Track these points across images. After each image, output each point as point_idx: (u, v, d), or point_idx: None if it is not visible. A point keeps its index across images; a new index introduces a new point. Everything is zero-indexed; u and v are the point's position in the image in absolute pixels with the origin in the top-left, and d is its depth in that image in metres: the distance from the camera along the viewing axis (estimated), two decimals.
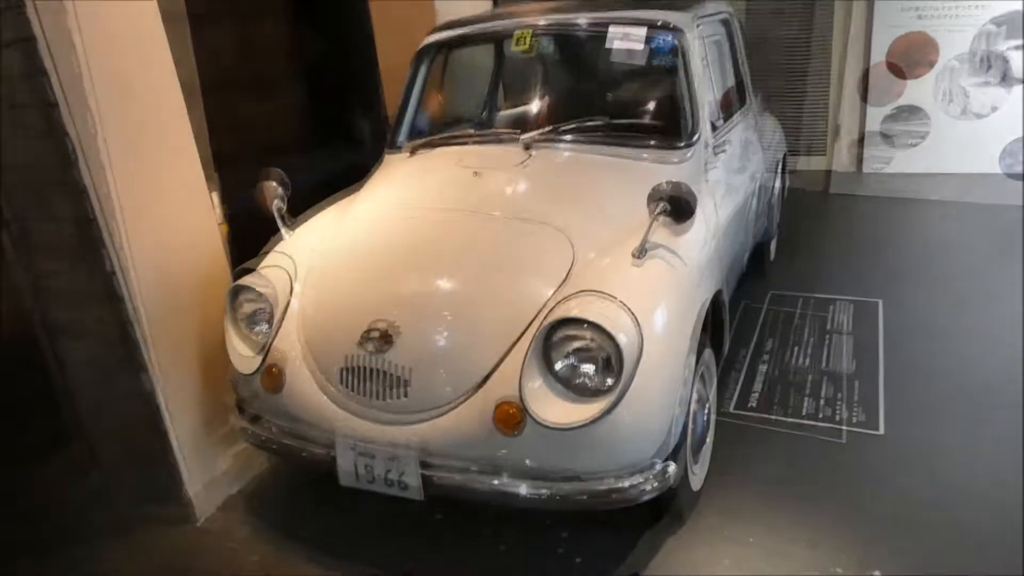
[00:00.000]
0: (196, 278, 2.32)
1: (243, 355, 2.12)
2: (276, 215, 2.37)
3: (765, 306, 3.54)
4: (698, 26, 2.55)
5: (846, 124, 5.68)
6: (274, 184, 2.38)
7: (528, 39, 2.60)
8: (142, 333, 2.14)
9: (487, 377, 1.77)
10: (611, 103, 2.81)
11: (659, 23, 2.45)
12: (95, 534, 2.33)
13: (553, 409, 1.69)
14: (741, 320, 3.38)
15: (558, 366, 1.74)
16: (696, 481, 2.16)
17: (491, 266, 1.93)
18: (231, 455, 2.46)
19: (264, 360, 2.04)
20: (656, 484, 1.75)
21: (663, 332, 1.78)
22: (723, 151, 2.51)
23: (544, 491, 1.72)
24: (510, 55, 3.21)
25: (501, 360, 1.78)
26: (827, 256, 4.11)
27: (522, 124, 2.72)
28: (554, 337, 1.73)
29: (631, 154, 2.34)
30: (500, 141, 2.47)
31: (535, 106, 3.18)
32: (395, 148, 2.72)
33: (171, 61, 2.20)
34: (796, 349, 3.10)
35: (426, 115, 3.11)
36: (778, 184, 3.62)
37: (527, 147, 2.40)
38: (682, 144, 2.34)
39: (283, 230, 2.38)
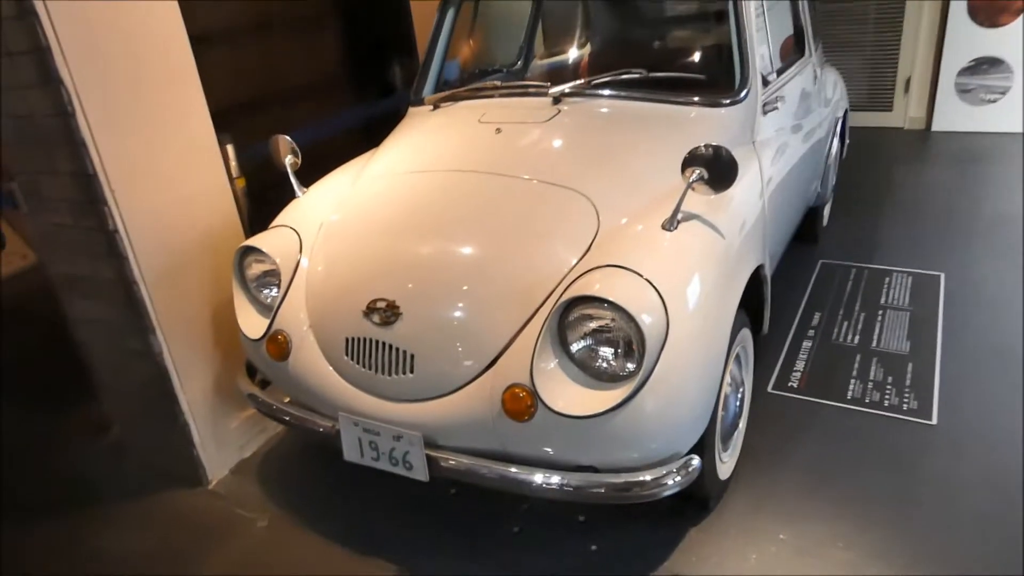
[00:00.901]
0: (206, 236, 2.23)
1: (250, 319, 2.03)
2: (289, 172, 2.26)
3: (814, 276, 3.29)
4: None
5: (917, 76, 5.25)
6: (287, 140, 2.26)
7: None
8: (148, 293, 2.06)
9: (497, 357, 1.64)
10: (656, 52, 2.59)
11: None
12: (108, 493, 2.32)
13: (567, 395, 1.55)
14: (787, 291, 3.15)
15: (575, 348, 1.58)
16: (725, 470, 2.00)
17: (504, 235, 1.77)
18: (243, 417, 2.41)
19: (271, 326, 1.95)
20: (679, 479, 1.60)
21: (694, 313, 1.61)
22: (775, 108, 2.26)
23: (557, 482, 1.59)
24: None
25: (513, 339, 1.63)
26: (887, 223, 3.79)
27: (557, 75, 2.53)
28: (571, 316, 1.57)
29: (671, 111, 2.12)
30: (528, 94, 2.28)
31: (572, 55, 2.97)
32: (418, 101, 2.55)
33: (176, 8, 2.06)
34: (845, 325, 2.87)
35: (455, 65, 2.93)
36: (836, 143, 3.32)
37: (556, 101, 2.21)
38: (728, 100, 2.11)
39: (297, 189, 2.26)
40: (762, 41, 2.29)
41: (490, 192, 1.89)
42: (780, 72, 2.47)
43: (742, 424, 2.14)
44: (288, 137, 2.27)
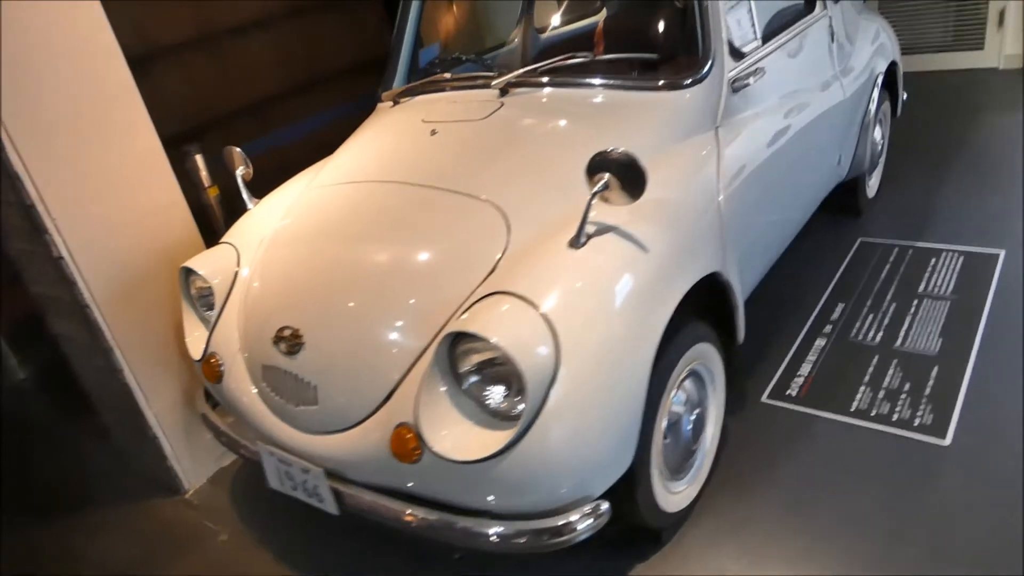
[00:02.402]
0: (163, 252, 2.23)
1: (195, 339, 2.03)
2: (240, 184, 2.22)
3: (847, 259, 2.93)
4: None
5: (1013, 7, 4.52)
6: (238, 152, 2.22)
7: None
8: (101, 314, 2.10)
9: (392, 392, 1.53)
10: (612, 28, 2.31)
11: None
12: (98, 497, 2.44)
13: (454, 436, 1.42)
14: (811, 278, 2.82)
15: (466, 382, 1.45)
16: (678, 501, 1.81)
17: (407, 257, 1.64)
18: None
19: (207, 348, 1.94)
20: (582, 527, 1.44)
21: (599, 343, 1.43)
22: (747, 84, 1.96)
23: (452, 526, 1.48)
24: None
25: (407, 373, 1.52)
26: (949, 190, 3.30)
27: (514, 62, 2.33)
28: (460, 347, 1.44)
29: (620, 97, 1.90)
30: (476, 86, 2.11)
31: (525, 39, 2.74)
32: (382, 96, 2.43)
33: (108, 28, 2.04)
34: (870, 319, 2.54)
35: (432, 51, 2.78)
36: (875, 103, 2.89)
37: (504, 92, 2.03)
38: (683, 82, 1.85)
39: (248, 201, 2.23)
40: (739, 5, 1.99)
41: (404, 206, 1.76)
42: (770, 38, 2.15)
43: (707, 447, 1.92)
44: (239, 149, 2.23)
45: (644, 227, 1.56)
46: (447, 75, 2.27)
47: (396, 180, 1.83)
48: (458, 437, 1.42)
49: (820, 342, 2.47)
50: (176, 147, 2.52)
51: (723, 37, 1.89)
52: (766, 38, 2.13)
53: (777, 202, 2.14)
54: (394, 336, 1.56)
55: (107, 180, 2.09)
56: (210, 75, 2.80)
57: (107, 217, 2.10)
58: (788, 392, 2.26)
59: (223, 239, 2.11)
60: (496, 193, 1.68)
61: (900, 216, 3.19)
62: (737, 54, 1.96)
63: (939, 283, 2.65)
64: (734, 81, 1.92)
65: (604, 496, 1.50)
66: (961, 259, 2.77)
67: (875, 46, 2.95)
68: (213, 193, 2.62)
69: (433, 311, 1.54)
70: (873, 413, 2.11)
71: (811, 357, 2.40)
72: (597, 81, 1.93)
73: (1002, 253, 2.73)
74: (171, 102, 2.69)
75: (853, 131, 2.82)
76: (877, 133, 3.22)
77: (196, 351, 1.98)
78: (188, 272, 2.02)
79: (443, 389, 1.44)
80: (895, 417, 2.08)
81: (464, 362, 1.43)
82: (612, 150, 1.42)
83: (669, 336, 1.65)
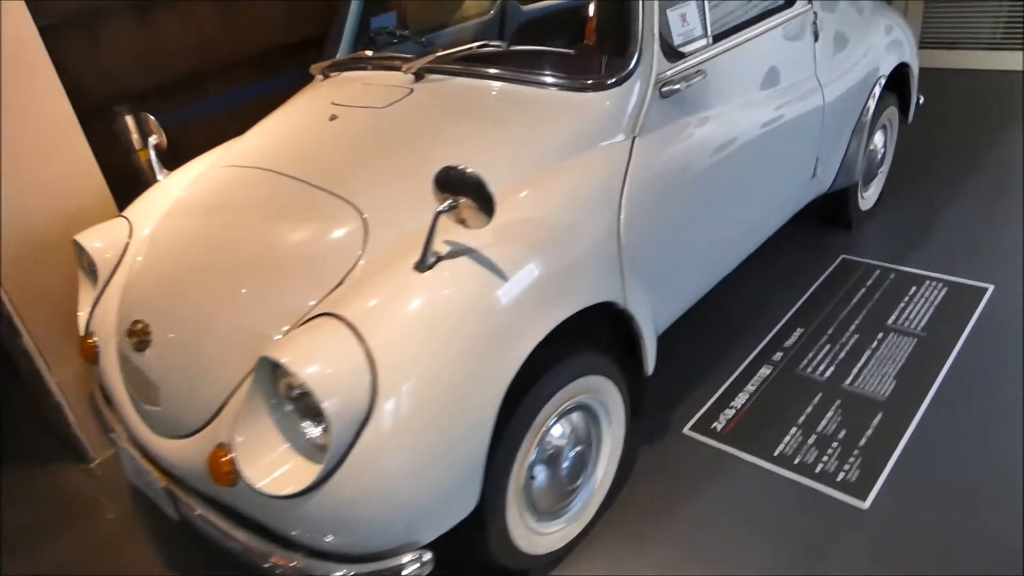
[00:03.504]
0: (65, 220, 2.15)
1: (81, 315, 1.95)
2: (152, 155, 2.12)
3: (823, 277, 2.69)
4: None
5: None
6: (150, 118, 2.12)
7: None
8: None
9: (222, 407, 1.42)
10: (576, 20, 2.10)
11: None
12: (11, 460, 2.43)
13: (268, 466, 1.31)
14: (777, 295, 2.60)
15: (286, 409, 1.33)
16: (550, 542, 1.67)
17: (261, 258, 1.51)
18: None
19: (87, 326, 1.86)
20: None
21: (430, 380, 1.28)
22: (680, 90, 1.73)
23: (267, 557, 1.38)
24: None
25: (235, 390, 1.41)
26: (953, 209, 3.00)
27: (488, 36, 2.15)
28: (279, 371, 1.31)
29: (534, 94, 1.70)
30: (395, 68, 1.94)
31: (504, 10, 2.55)
32: (311, 68, 2.27)
33: None
34: (826, 349, 2.32)
35: (383, 20, 2.59)
36: (871, 108, 2.60)
37: (419, 77, 1.85)
38: (597, 83, 1.65)
39: (157, 173, 2.12)
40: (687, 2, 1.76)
41: (271, 200, 1.63)
42: (728, 35, 1.91)
43: (596, 485, 1.77)
44: (152, 116, 2.12)
45: (509, 250, 1.39)
46: (368, 53, 2.09)
47: (274, 169, 1.68)
48: (273, 467, 1.31)
49: (765, 370, 2.27)
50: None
51: (654, 35, 1.66)
52: (722, 36, 1.89)
53: (713, 223, 1.92)
54: (229, 347, 1.44)
55: (10, 146, 2.01)
56: (157, 37, 2.68)
57: (9, 185, 2.02)
58: (713, 426, 2.08)
59: (123, 212, 2.02)
60: (365, 196, 1.53)
61: (893, 233, 2.91)
62: (674, 54, 1.73)
63: (912, 316, 2.41)
64: (664, 85, 1.70)
65: (453, 535, 1.38)
66: (945, 290, 2.51)
67: (880, 45, 2.64)
68: (144, 157, 2.51)
69: (270, 324, 1.41)
70: (796, 461, 1.92)
71: (750, 387, 2.20)
72: (512, 75, 1.74)
73: (990, 288, 2.46)
74: (118, 63, 2.59)
75: (840, 139, 2.55)
76: (879, 140, 2.93)
77: (81, 327, 1.90)
78: (81, 247, 1.94)
79: (263, 413, 1.32)
80: (819, 469, 1.89)
81: (284, 387, 1.31)
82: (459, 168, 1.25)
83: (547, 366, 1.50)
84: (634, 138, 1.66)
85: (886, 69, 2.67)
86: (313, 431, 1.30)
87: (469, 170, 1.23)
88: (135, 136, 2.50)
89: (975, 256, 2.66)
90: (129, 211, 2.00)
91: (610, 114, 1.63)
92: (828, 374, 2.21)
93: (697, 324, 2.41)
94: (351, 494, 1.26)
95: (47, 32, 2.06)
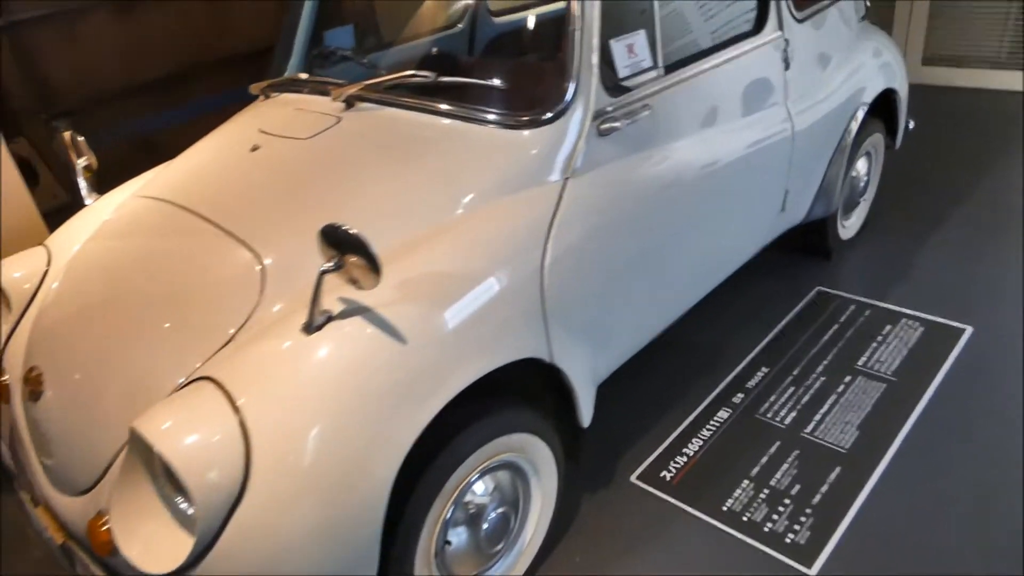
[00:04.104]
0: None
1: None
2: (80, 178, 2.04)
3: (795, 311, 2.56)
4: None
5: None
6: (79, 139, 2.03)
7: None
8: None
9: (108, 468, 1.33)
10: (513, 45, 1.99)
11: None
12: None
13: (145, 539, 1.22)
14: (744, 328, 2.48)
15: (161, 481, 1.24)
16: None
17: (154, 312, 1.41)
18: None
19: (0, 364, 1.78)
20: None
21: (314, 452, 1.18)
22: (620, 128, 1.62)
23: None
24: None
25: (120, 450, 1.32)
26: (938, 243, 2.86)
27: (457, 49, 2.05)
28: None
29: (462, 129, 1.60)
30: (327, 93, 1.84)
31: (475, 22, 2.44)
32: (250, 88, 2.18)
33: None
34: (790, 392, 2.20)
35: (339, 34, 2.50)
36: (851, 136, 2.48)
37: (350, 105, 1.76)
38: (525, 120, 1.54)
39: (86, 197, 2.04)
40: (636, 32, 1.65)
41: (178, 240, 1.54)
42: (682, 66, 1.79)
43: (523, 546, 1.67)
44: (81, 136, 2.04)
45: (410, 307, 1.29)
46: (303, 75, 1.99)
47: (184, 205, 1.59)
48: (149, 540, 1.22)
49: (724, 413, 2.15)
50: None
51: (592, 68, 1.55)
52: (675, 67, 1.78)
53: (658, 266, 1.80)
54: (119, 401, 1.35)
55: None
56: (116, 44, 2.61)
57: None
58: (662, 475, 1.97)
59: (46, 241, 1.94)
60: (269, 241, 1.43)
61: (873, 265, 2.78)
62: (616, 88, 1.62)
63: (884, 358, 2.28)
64: (603, 122, 1.59)
65: None
66: (921, 330, 2.38)
67: (865, 68, 2.51)
68: (88, 176, 2.44)
69: (162, 379, 1.32)
70: (745, 519, 1.81)
71: (706, 432, 2.09)
72: (443, 107, 1.63)
73: (968, 330, 2.33)
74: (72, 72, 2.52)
75: (816, 167, 2.43)
76: (861, 166, 2.80)
77: None
78: None
79: (142, 481, 1.23)
80: (767, 528, 1.77)
81: (157, 458, 1.22)
82: (342, 227, 1.14)
83: (461, 427, 1.41)
84: (566, 179, 1.55)
85: (870, 94, 2.54)
86: (186, 506, 1.21)
87: (353, 230, 1.13)
88: (73, 153, 2.43)
89: (957, 294, 2.53)
90: (51, 239, 1.92)
91: (541, 153, 1.52)
92: (789, 420, 2.09)
93: (656, 357, 2.30)
94: (229, 573, 1.17)
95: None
